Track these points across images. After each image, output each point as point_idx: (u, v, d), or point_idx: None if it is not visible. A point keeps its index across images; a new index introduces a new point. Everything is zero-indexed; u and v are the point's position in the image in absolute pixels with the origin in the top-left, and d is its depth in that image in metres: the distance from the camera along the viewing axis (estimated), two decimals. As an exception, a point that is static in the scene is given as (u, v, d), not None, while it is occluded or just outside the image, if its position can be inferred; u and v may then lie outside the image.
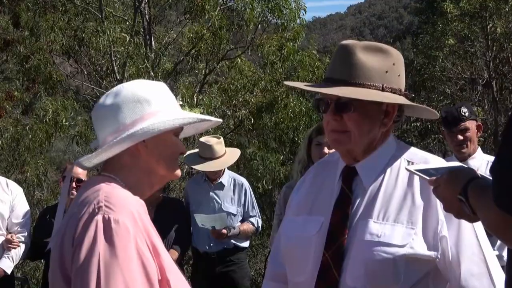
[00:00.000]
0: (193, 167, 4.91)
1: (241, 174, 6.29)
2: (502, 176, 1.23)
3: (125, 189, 1.69)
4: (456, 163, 1.74)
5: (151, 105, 1.72)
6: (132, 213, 1.61)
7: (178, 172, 1.81)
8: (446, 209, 1.54)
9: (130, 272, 1.52)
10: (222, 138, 4.99)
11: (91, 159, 1.71)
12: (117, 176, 1.71)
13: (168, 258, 1.67)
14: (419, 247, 1.71)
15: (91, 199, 1.62)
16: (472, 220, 1.47)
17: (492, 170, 1.27)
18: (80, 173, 4.21)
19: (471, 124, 3.83)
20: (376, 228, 1.74)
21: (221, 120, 1.97)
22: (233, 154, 5.00)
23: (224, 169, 5.03)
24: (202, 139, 4.95)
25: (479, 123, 3.94)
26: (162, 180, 1.83)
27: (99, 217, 1.57)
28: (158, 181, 1.80)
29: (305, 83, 1.94)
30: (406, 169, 1.71)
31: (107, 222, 1.56)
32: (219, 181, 4.97)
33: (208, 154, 4.79)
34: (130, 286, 1.51)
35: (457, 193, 1.44)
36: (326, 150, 3.42)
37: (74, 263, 1.55)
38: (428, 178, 1.59)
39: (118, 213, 1.58)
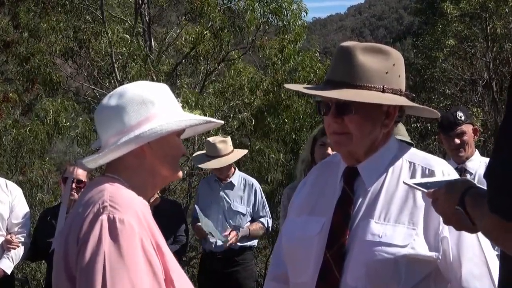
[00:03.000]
0: (198, 165, 5.02)
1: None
2: (493, 180, 1.23)
3: (129, 189, 1.69)
4: (453, 176, 1.74)
5: (155, 106, 1.72)
6: (137, 212, 1.62)
7: (180, 173, 1.83)
8: (446, 222, 1.54)
9: (136, 271, 1.53)
10: (229, 138, 5.08)
11: (97, 159, 1.71)
12: (121, 176, 1.72)
13: (171, 258, 1.67)
14: (420, 248, 1.71)
15: (96, 199, 1.62)
16: (472, 231, 1.47)
17: (485, 175, 1.27)
18: (80, 174, 4.21)
19: (467, 128, 3.85)
20: (377, 228, 1.74)
21: (222, 122, 1.99)
22: (240, 152, 5.10)
23: (235, 169, 5.13)
24: (209, 138, 5.07)
25: (476, 127, 3.96)
26: (165, 181, 1.84)
27: (104, 217, 1.57)
28: (161, 181, 1.82)
29: (305, 86, 1.94)
30: (404, 182, 1.71)
31: (112, 222, 1.56)
32: (229, 181, 5.05)
33: (213, 152, 4.88)
34: (137, 285, 1.52)
35: (455, 204, 1.44)
36: (329, 151, 3.43)
37: (79, 262, 1.56)
38: (426, 191, 1.59)
39: (123, 212, 1.58)
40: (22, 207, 4.76)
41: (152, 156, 1.73)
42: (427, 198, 1.74)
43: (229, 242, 4.78)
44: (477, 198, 1.37)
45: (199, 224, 4.79)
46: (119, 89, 1.76)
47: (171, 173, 1.79)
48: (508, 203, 1.18)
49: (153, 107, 1.72)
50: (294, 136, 11.00)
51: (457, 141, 3.83)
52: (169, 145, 1.75)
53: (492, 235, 1.31)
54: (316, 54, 11.38)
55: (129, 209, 1.61)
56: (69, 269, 1.60)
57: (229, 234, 4.81)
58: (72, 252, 1.59)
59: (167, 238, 4.53)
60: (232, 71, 11.26)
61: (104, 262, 1.51)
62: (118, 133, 1.70)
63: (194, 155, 5.21)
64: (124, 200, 1.62)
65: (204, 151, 5.13)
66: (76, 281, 1.56)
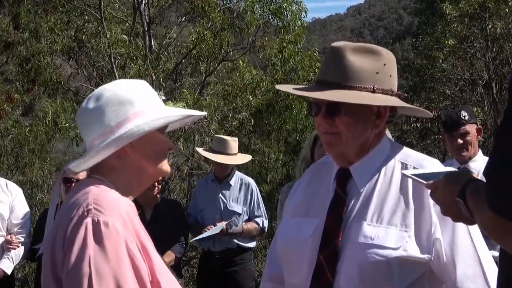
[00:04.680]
0: (206, 156, 5.06)
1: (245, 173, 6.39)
2: (493, 178, 1.24)
3: (114, 191, 1.69)
4: (452, 168, 1.73)
5: (134, 105, 1.72)
6: (121, 215, 1.61)
7: (168, 168, 1.81)
8: (444, 212, 1.53)
9: (121, 274, 1.53)
10: (237, 139, 5.18)
11: (80, 165, 1.71)
12: (106, 178, 1.71)
13: (158, 260, 1.67)
14: (413, 250, 1.71)
15: (81, 201, 1.62)
16: (470, 222, 1.46)
17: (485, 173, 1.28)
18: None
19: (471, 128, 3.85)
20: (370, 230, 1.74)
21: (205, 113, 1.98)
22: (244, 157, 5.24)
23: (234, 170, 5.17)
24: (220, 135, 5.28)
25: (479, 126, 3.96)
26: (152, 178, 1.83)
27: (88, 220, 1.57)
28: (148, 179, 1.81)
29: (294, 87, 1.92)
30: (403, 173, 1.70)
31: (96, 225, 1.56)
32: (226, 181, 5.09)
33: (221, 148, 4.96)
34: None
35: (455, 195, 1.43)
36: None
37: (65, 265, 1.56)
38: (425, 182, 1.58)
39: (107, 215, 1.58)
40: (22, 207, 4.77)
41: (135, 155, 1.72)
42: (418, 200, 1.74)
43: (219, 224, 4.89)
44: (478, 192, 1.37)
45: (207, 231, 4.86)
46: (97, 90, 1.76)
47: (157, 169, 1.78)
48: (508, 202, 1.19)
49: (132, 107, 1.71)
50: (295, 136, 11.00)
51: (460, 141, 3.82)
52: (152, 142, 1.74)
53: (490, 231, 1.30)
54: (316, 54, 11.37)
55: (114, 211, 1.61)
56: (56, 270, 1.60)
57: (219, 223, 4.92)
58: (59, 254, 1.59)
59: (167, 238, 4.58)
60: (237, 73, 11.25)
61: (90, 265, 1.51)
62: (101, 135, 1.70)
63: (201, 150, 5.25)
64: (108, 202, 1.62)
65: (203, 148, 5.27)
66: (63, 283, 1.57)
